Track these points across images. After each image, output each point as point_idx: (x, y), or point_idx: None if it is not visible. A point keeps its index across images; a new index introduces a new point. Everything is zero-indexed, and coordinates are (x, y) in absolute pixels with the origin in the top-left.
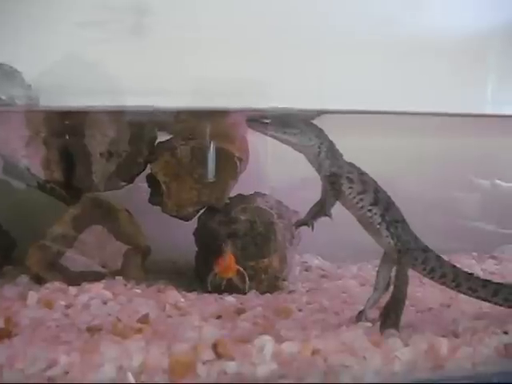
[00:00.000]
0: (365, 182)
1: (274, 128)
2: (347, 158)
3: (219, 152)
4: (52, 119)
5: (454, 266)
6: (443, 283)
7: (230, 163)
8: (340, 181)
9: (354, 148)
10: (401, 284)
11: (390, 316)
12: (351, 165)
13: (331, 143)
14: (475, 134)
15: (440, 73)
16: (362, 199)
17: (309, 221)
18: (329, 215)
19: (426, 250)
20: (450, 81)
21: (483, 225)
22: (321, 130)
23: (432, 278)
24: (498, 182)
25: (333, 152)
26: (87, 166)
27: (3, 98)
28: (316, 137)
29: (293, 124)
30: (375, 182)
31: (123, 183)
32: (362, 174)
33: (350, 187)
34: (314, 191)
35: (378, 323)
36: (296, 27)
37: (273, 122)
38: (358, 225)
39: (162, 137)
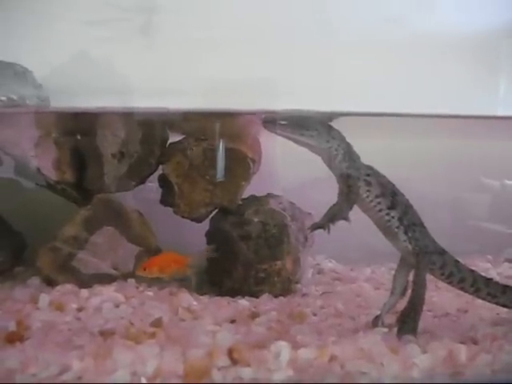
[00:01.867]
0: (383, 184)
1: (290, 130)
2: (364, 160)
3: (232, 153)
4: (63, 120)
5: (473, 271)
6: (461, 288)
7: (243, 164)
8: (357, 183)
9: (369, 150)
10: (419, 289)
11: (408, 321)
12: (369, 167)
13: (348, 145)
14: (486, 135)
15: (451, 74)
16: (379, 202)
17: (325, 224)
18: (347, 219)
19: (444, 253)
20: (462, 82)
21: (494, 226)
22: (338, 132)
23: (450, 283)
24: (508, 182)
25: (350, 154)
26: (99, 167)
27: (14, 97)
28: (333, 138)
29: (310, 125)
30: (393, 185)
31: (134, 184)
32: (379, 176)
33: (368, 190)
34: (327, 193)
35: (395, 329)
36: (307, 27)
37: (289, 124)
38: (369, 227)
39: (174, 137)
